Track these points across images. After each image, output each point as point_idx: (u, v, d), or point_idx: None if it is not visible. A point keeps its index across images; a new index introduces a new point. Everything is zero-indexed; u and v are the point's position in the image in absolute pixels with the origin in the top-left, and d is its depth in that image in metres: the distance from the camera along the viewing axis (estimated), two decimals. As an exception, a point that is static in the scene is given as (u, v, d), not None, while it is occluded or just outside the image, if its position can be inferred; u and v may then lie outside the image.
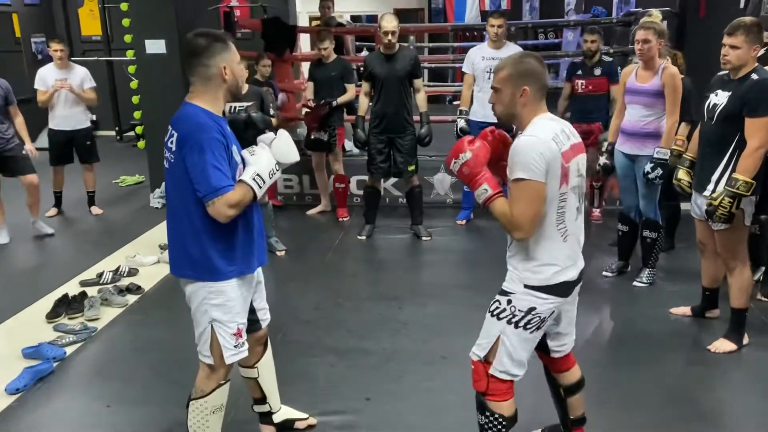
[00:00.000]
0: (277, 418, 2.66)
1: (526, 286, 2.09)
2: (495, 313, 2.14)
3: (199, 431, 2.31)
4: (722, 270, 3.39)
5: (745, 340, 3.31)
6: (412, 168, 4.99)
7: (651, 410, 2.83)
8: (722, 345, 3.28)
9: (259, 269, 2.39)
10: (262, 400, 2.61)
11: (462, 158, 2.08)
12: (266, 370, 2.57)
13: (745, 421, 2.79)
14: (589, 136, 4.93)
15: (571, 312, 2.27)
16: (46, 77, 5.62)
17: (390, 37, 4.74)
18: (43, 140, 6.11)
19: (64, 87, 5.56)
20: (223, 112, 2.26)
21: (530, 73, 2.06)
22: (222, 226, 2.14)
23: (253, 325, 2.42)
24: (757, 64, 3.06)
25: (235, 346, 2.25)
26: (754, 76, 2.99)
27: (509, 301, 2.11)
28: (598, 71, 5.14)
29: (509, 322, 2.11)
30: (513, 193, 2.02)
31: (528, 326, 2.10)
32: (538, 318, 2.09)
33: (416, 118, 5.00)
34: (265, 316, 2.48)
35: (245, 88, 4.71)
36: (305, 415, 2.71)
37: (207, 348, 2.26)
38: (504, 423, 2.15)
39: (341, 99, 5.33)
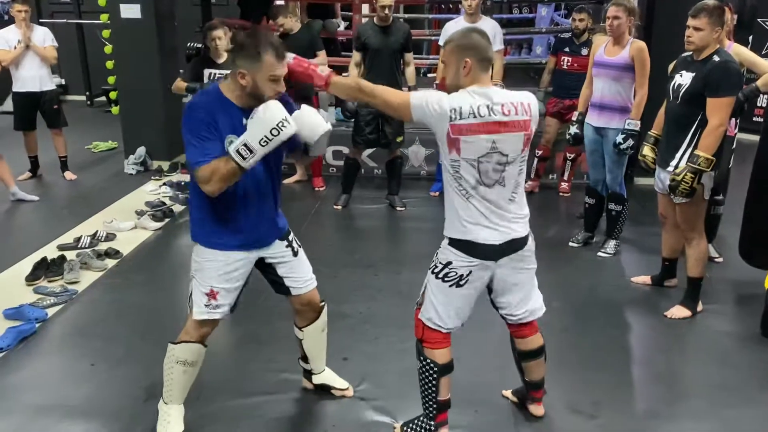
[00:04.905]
0: (316, 379, 2.80)
1: (449, 241, 2.28)
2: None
3: (165, 373, 2.47)
4: (681, 241, 3.58)
5: (699, 308, 3.52)
6: (400, 139, 5.12)
7: (610, 371, 3.02)
8: (678, 311, 3.49)
9: (281, 245, 2.46)
10: (306, 359, 2.77)
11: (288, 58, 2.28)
12: (310, 337, 2.70)
13: (696, 382, 3.00)
14: (570, 111, 5.05)
15: (509, 283, 2.34)
16: (9, 37, 5.55)
17: (387, 10, 4.82)
18: (10, 104, 6.04)
19: (26, 41, 5.50)
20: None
21: (473, 46, 2.19)
22: (212, 201, 2.23)
23: (282, 288, 2.54)
24: (719, 45, 3.21)
25: (206, 306, 2.36)
26: (716, 58, 3.13)
27: (436, 254, 2.31)
28: (585, 51, 5.13)
29: (432, 272, 2.31)
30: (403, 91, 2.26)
31: (446, 279, 2.27)
32: (454, 273, 2.25)
33: (404, 90, 5.09)
34: (296, 284, 2.52)
35: (223, 56, 4.72)
36: (345, 385, 2.80)
37: (188, 298, 2.41)
38: (436, 369, 2.34)
39: (312, 61, 5.28)
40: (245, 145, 2.10)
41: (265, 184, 2.34)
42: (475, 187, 2.19)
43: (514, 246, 2.28)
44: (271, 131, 2.10)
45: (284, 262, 2.48)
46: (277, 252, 2.46)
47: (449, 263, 2.26)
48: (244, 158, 2.11)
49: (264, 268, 2.49)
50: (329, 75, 2.32)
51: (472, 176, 2.18)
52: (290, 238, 2.52)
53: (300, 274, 2.54)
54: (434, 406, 2.40)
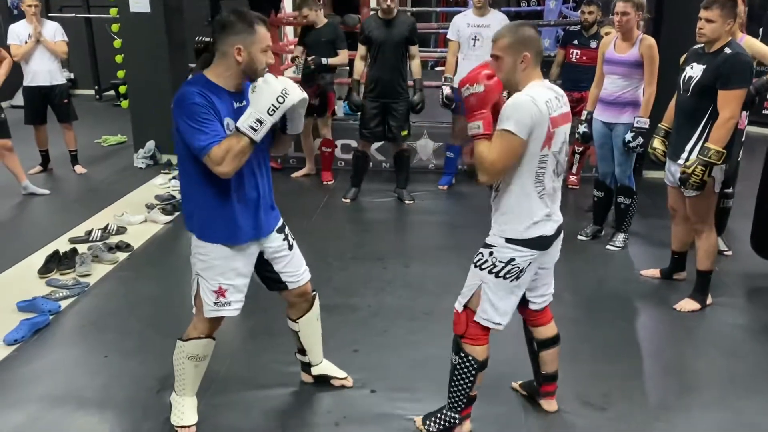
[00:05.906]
0: (315, 371, 2.81)
1: (506, 240, 2.25)
2: (477, 264, 2.31)
3: (176, 368, 2.49)
4: (691, 235, 3.57)
5: (709, 301, 3.52)
6: (405, 133, 5.10)
7: (620, 364, 3.02)
8: (687, 304, 3.49)
9: (279, 237, 2.46)
10: (303, 351, 2.78)
11: (475, 88, 2.17)
12: (306, 327, 2.70)
13: (706, 375, 3.00)
14: (579, 104, 5.04)
15: (550, 265, 2.42)
16: (20, 32, 5.59)
17: (389, 2, 4.80)
18: (20, 98, 6.07)
19: (37, 36, 5.53)
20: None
21: (529, 40, 2.19)
22: (210, 194, 2.23)
23: (279, 284, 2.54)
24: (730, 38, 3.19)
25: (215, 303, 2.35)
26: (728, 50, 3.12)
27: (491, 253, 2.27)
28: (594, 44, 5.10)
29: (490, 272, 2.27)
30: (495, 141, 2.15)
31: (508, 276, 2.26)
32: (517, 268, 2.25)
33: (410, 83, 5.09)
34: (292, 278, 2.53)
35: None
36: (343, 375, 2.82)
37: (192, 297, 2.40)
38: (475, 365, 2.34)
39: (332, 60, 5.28)
40: (257, 119, 2.12)
41: (258, 169, 2.34)
42: (552, 179, 2.24)
43: (560, 232, 2.35)
44: (277, 99, 2.12)
45: (281, 256, 2.48)
46: (275, 245, 2.45)
47: (512, 260, 2.24)
48: (255, 131, 2.12)
49: (259, 265, 2.47)
50: (484, 135, 2.18)
51: (553, 169, 2.22)
52: (286, 231, 2.52)
53: (295, 267, 2.54)
54: (464, 400, 2.40)
